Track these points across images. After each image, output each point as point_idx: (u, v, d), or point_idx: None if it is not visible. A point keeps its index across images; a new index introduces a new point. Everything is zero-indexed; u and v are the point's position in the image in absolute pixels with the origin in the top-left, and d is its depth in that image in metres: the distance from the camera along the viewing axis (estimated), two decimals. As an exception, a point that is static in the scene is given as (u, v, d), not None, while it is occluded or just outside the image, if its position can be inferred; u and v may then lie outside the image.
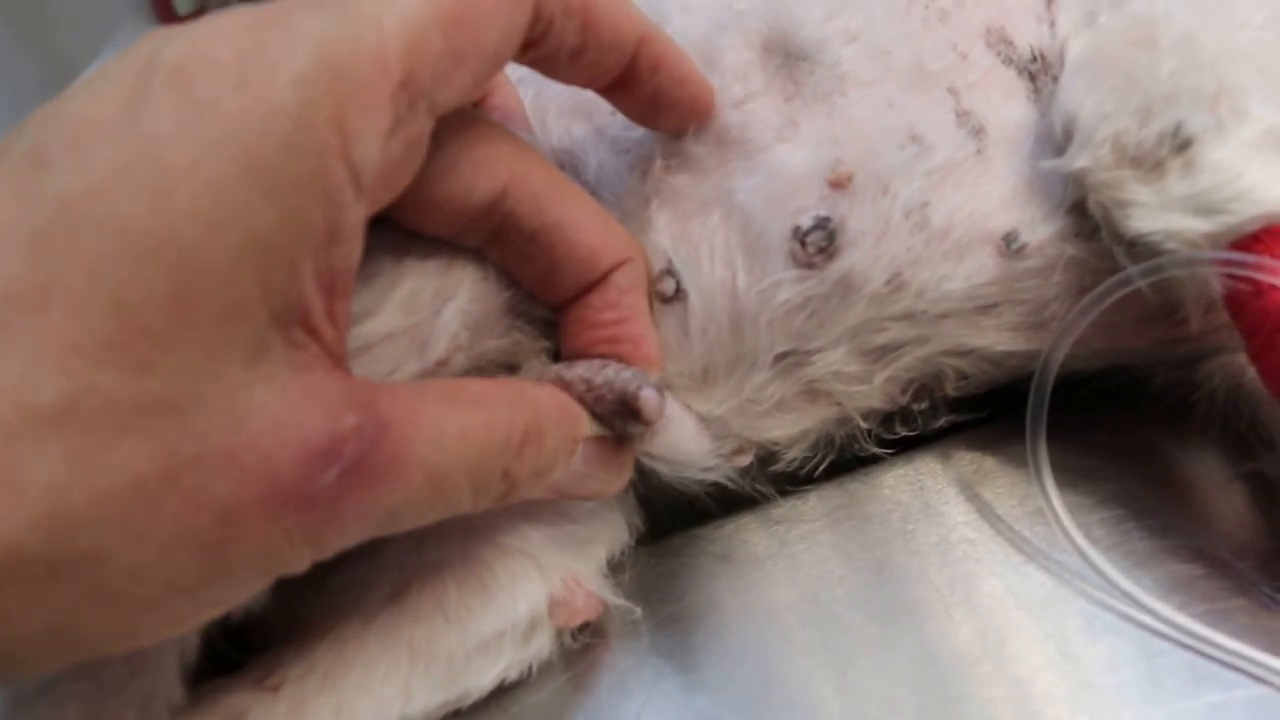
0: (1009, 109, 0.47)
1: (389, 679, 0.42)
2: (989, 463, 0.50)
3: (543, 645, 0.45)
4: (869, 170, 0.45)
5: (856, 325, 0.46)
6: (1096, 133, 0.44)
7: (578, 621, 0.46)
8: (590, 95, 0.45)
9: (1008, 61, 0.48)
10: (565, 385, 0.41)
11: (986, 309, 0.47)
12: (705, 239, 0.45)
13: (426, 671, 0.43)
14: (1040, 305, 0.47)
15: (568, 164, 0.48)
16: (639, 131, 0.47)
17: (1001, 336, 0.47)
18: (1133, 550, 0.45)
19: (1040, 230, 0.46)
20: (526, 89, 0.49)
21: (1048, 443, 0.46)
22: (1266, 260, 0.41)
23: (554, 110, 0.49)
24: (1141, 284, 0.43)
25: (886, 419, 0.50)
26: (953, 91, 0.47)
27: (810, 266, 0.45)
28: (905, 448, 0.51)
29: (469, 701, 0.44)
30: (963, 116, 0.46)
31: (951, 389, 0.50)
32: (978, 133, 0.46)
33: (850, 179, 0.45)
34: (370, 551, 0.44)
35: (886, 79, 0.47)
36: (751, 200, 0.45)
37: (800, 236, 0.45)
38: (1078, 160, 0.44)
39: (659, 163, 0.46)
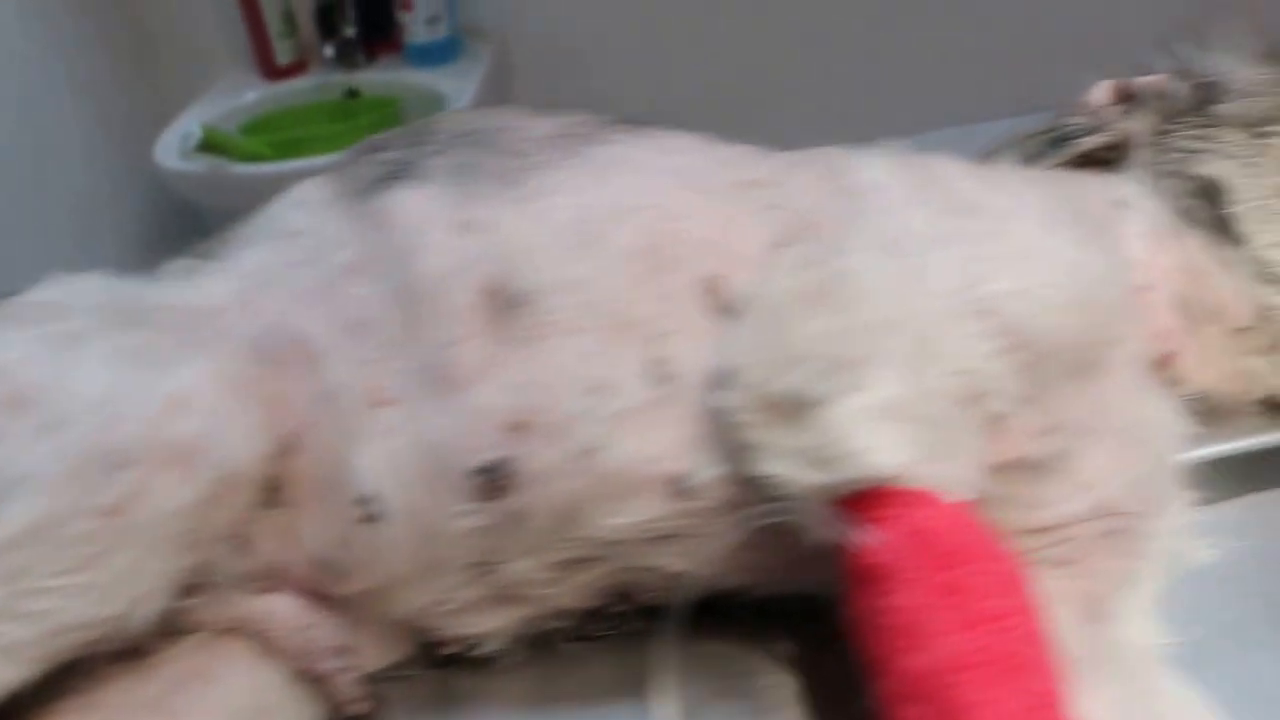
0: (702, 357, 0.53)
1: None
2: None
3: None
4: (550, 414, 0.52)
5: (535, 546, 0.53)
6: (739, 377, 0.50)
7: None
8: (356, 309, 0.54)
9: (715, 309, 0.54)
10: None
11: (659, 540, 0.53)
12: (404, 470, 0.52)
13: None
14: (714, 538, 0.53)
15: (313, 365, 0.55)
16: (379, 352, 0.54)
17: (677, 561, 0.53)
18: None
19: (709, 473, 0.52)
20: (297, 281, 0.57)
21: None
22: (851, 522, 0.46)
23: (321, 312, 0.56)
24: (759, 524, 0.49)
25: (589, 615, 0.56)
26: (651, 340, 0.53)
27: (485, 500, 0.52)
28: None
29: None
30: (654, 364, 0.52)
31: (647, 598, 0.55)
32: (666, 379, 0.52)
33: (530, 423, 0.52)
34: (97, 679, 0.52)
35: (588, 327, 0.53)
36: (441, 437, 0.52)
37: (476, 475, 0.51)
38: (724, 399, 0.51)
39: (381, 390, 0.53)
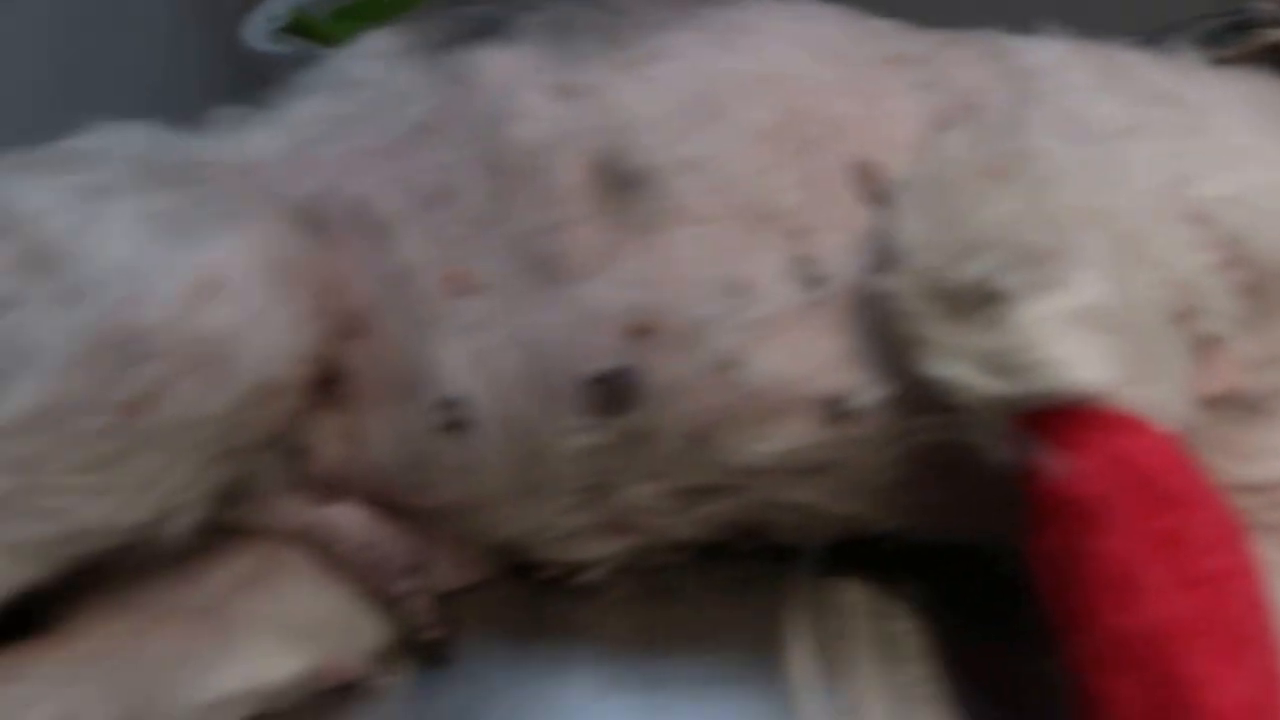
0: (855, 256, 0.45)
1: (117, 706, 0.45)
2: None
3: (295, 699, 0.47)
4: (679, 318, 0.45)
5: (658, 471, 0.46)
6: (910, 259, 0.43)
7: (335, 684, 0.48)
8: (431, 176, 0.47)
9: (871, 198, 0.46)
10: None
11: (808, 471, 0.46)
12: (499, 372, 0.46)
13: (157, 707, 0.45)
14: (871, 472, 0.46)
15: (378, 237, 0.48)
16: (461, 229, 0.47)
17: (821, 497, 0.47)
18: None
19: (871, 395, 0.44)
20: (360, 137, 0.51)
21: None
22: (1041, 443, 0.39)
23: (390, 175, 0.49)
24: (923, 440, 0.43)
25: (706, 550, 0.50)
26: (797, 234, 0.46)
27: (603, 415, 0.45)
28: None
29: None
30: (802, 263, 0.45)
31: (780, 536, 0.49)
32: (816, 282, 0.45)
33: (655, 327, 0.45)
34: (143, 577, 0.47)
35: (721, 216, 0.46)
36: (549, 338, 0.46)
37: (592, 385, 0.45)
38: (887, 282, 0.43)
39: (466, 274, 0.47)
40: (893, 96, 0.49)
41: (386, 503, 0.49)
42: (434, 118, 0.50)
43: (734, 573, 0.51)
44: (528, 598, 0.52)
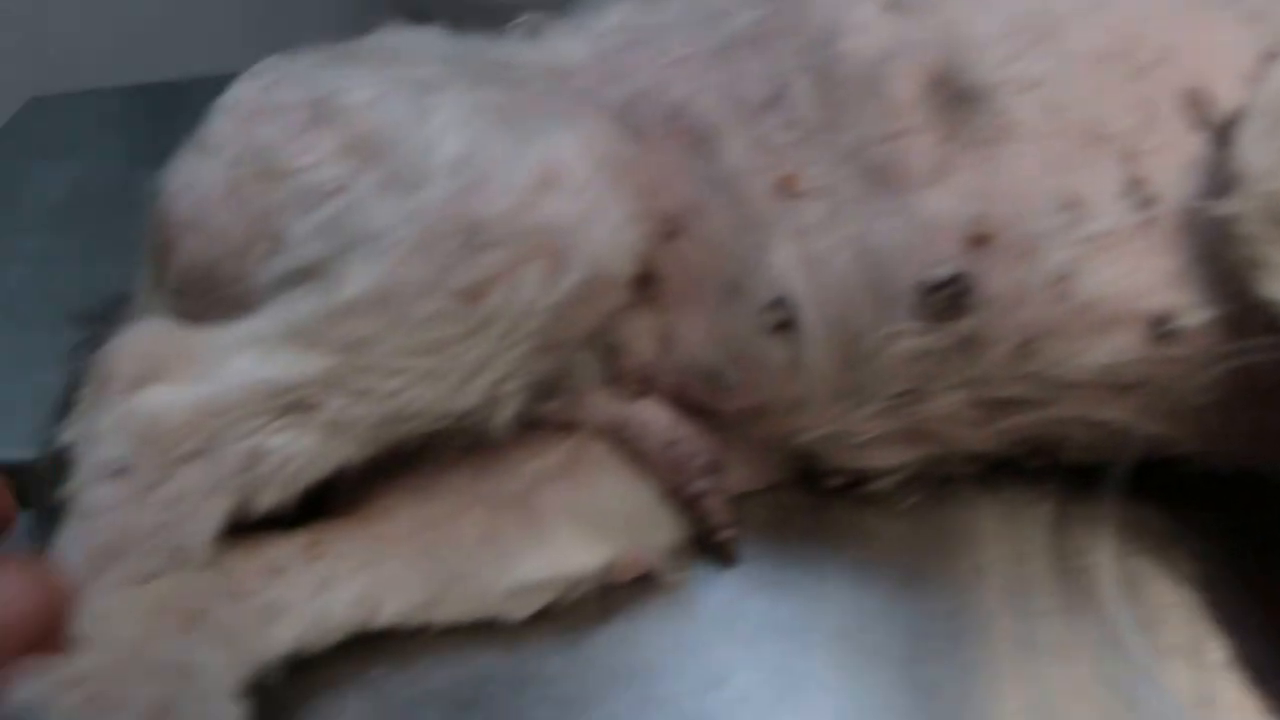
0: (1190, 179, 0.46)
1: (420, 588, 0.48)
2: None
3: (587, 590, 0.50)
4: (1015, 230, 0.46)
5: (978, 378, 0.48)
6: (1252, 185, 0.43)
7: (629, 578, 0.50)
8: (758, 85, 0.49)
9: (1201, 125, 0.47)
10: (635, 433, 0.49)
11: (1124, 388, 0.47)
12: (829, 275, 0.47)
13: (458, 592, 0.48)
14: (1187, 394, 0.47)
15: (699, 142, 0.50)
16: (790, 136, 0.49)
17: (1136, 417, 0.48)
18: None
19: (1197, 316, 0.45)
20: (673, 46, 0.52)
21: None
22: None
23: (710, 83, 0.51)
24: (1247, 361, 0.43)
25: (995, 464, 0.52)
26: (1129, 156, 0.46)
27: (936, 321, 0.46)
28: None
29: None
30: (1134, 184, 0.46)
31: (1075, 455, 0.50)
32: (1148, 203, 0.46)
33: (992, 238, 0.46)
34: (446, 464, 0.50)
35: (1056, 134, 0.47)
36: (885, 244, 0.47)
37: (928, 291, 0.46)
38: (1228, 206, 0.44)
39: (797, 180, 0.48)
40: (1221, 27, 0.49)
41: (690, 403, 0.51)
42: (757, 29, 0.52)
43: (1019, 487, 0.52)
44: (811, 504, 0.53)
